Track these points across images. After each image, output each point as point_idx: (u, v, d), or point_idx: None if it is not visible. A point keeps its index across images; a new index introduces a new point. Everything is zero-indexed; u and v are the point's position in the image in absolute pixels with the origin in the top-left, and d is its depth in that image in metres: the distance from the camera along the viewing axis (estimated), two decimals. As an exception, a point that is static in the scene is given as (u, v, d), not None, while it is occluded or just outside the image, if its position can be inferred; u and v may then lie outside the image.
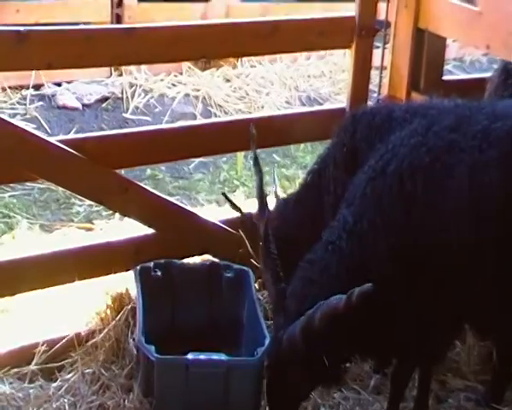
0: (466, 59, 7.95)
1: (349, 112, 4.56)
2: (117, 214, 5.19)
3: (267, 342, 3.74)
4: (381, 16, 4.78)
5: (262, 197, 3.94)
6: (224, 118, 6.03)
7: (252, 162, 4.04)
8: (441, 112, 3.68)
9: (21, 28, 3.89)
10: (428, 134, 3.49)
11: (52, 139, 4.18)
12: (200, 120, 6.56)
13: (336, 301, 3.29)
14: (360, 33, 4.68)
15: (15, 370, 4.02)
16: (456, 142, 3.41)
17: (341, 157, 4.08)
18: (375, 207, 3.53)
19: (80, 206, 5.67)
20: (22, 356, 4.10)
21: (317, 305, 3.37)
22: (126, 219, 4.78)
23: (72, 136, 4.36)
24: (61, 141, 4.14)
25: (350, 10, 4.69)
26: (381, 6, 4.74)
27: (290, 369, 3.58)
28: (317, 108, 4.96)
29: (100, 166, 4.20)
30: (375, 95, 4.87)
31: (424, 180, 3.41)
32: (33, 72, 7.03)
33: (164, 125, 5.40)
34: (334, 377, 3.74)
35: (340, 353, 3.61)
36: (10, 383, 3.94)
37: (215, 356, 3.72)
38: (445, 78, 5.00)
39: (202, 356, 3.70)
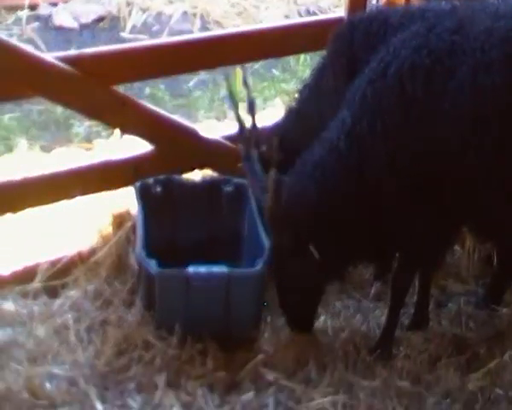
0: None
1: (346, 19, 4.51)
2: (116, 133, 5.19)
3: (266, 253, 3.77)
4: None
5: (240, 120, 3.94)
6: (221, 31, 6.00)
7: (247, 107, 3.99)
8: (441, 14, 3.65)
9: None
10: (430, 36, 3.49)
11: (48, 55, 4.18)
12: (197, 34, 6.56)
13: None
14: None
15: (19, 288, 4.06)
16: (458, 43, 3.41)
17: (341, 67, 4.07)
18: (374, 110, 3.56)
19: (79, 126, 5.69)
20: (25, 274, 4.14)
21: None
22: (125, 137, 4.76)
23: (67, 52, 4.31)
24: (56, 57, 4.13)
25: None
26: None
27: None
28: (314, 17, 4.92)
29: (97, 82, 4.20)
30: (374, 2, 4.83)
31: (425, 82, 3.42)
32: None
33: (161, 40, 5.40)
34: (335, 272, 3.86)
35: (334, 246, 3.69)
36: (15, 301, 3.98)
37: (216, 268, 3.76)
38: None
39: (203, 269, 3.72)
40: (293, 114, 4.33)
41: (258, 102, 4.61)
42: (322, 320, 3.99)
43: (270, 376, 3.60)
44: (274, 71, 5.15)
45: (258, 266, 3.72)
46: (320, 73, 4.21)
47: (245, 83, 3.95)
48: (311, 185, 3.67)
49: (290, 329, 3.86)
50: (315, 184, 3.67)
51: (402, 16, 4.01)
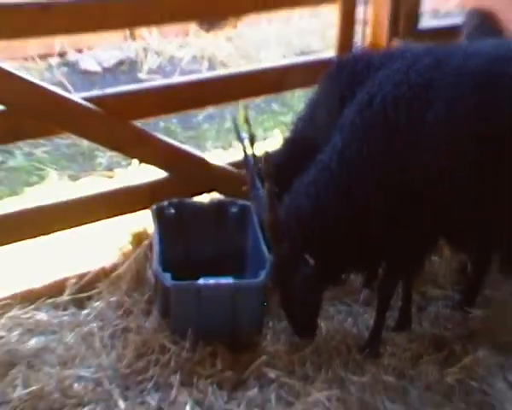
0: (440, 10, 7.90)
1: (335, 60, 4.51)
2: (134, 163, 5.20)
3: (268, 265, 3.78)
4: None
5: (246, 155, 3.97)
6: (226, 71, 6.03)
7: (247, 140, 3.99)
8: (418, 54, 3.66)
9: (44, 0, 3.87)
10: (410, 72, 3.50)
11: (74, 96, 4.19)
12: (204, 74, 6.59)
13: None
14: (344, -11, 4.66)
15: (50, 300, 4.08)
16: (435, 79, 3.42)
17: (331, 102, 4.06)
18: (362, 136, 3.57)
19: (102, 157, 5.70)
20: (56, 288, 4.15)
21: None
22: (143, 166, 4.78)
23: (91, 93, 4.34)
24: (82, 98, 4.15)
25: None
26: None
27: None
28: (307, 58, 4.94)
29: (117, 119, 4.22)
30: (359, 44, 4.85)
31: (406, 113, 3.43)
32: (57, 40, 7.05)
33: (173, 79, 5.42)
34: (331, 277, 3.85)
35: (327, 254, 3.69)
36: (46, 312, 4.00)
37: (223, 280, 3.78)
38: (421, 26, 4.96)
39: (212, 281, 3.75)
40: (289, 143, 4.34)
41: (259, 132, 4.64)
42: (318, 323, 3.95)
43: (272, 374, 3.61)
44: (273, 105, 5.18)
45: (261, 277, 3.75)
46: (313, 107, 4.22)
47: (246, 121, 3.96)
48: (305, 201, 3.68)
49: (297, 337, 3.83)
50: (309, 200, 3.68)
51: (383, 57, 4.02)
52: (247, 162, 4.02)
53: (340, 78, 4.11)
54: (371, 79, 3.66)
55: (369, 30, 4.76)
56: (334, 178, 3.63)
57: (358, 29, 4.80)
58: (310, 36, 7.86)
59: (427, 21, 5.71)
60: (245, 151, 3.99)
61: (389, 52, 4.23)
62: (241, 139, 4.04)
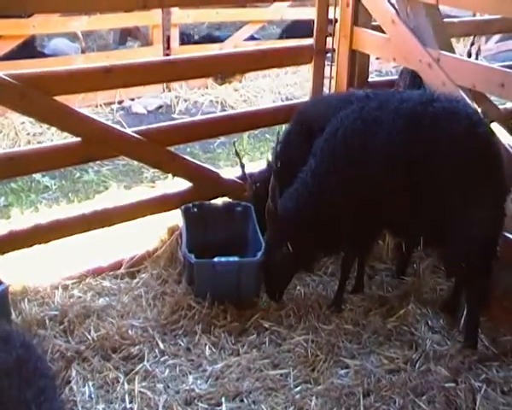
0: (383, 70, 7.89)
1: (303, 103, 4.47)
2: (170, 176, 5.16)
3: (263, 248, 3.78)
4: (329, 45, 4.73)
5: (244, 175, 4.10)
6: (233, 111, 6.04)
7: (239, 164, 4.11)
8: (367, 99, 3.66)
9: (107, 64, 3.94)
10: (362, 112, 3.50)
11: (128, 130, 4.20)
12: (218, 113, 6.58)
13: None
14: (316, 54, 4.63)
15: (111, 273, 4.08)
16: (379, 117, 3.42)
17: (301, 133, 4.01)
18: (329, 158, 3.56)
19: (147, 173, 5.70)
20: (115, 265, 4.14)
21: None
22: (175, 179, 4.76)
23: (139, 128, 4.36)
24: (133, 131, 4.17)
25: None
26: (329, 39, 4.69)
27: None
28: (291, 102, 4.93)
29: (157, 145, 4.22)
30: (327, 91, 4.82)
31: (360, 141, 3.43)
32: (118, 92, 7.07)
33: (196, 118, 5.46)
34: (303, 264, 3.84)
35: (302, 245, 3.68)
36: (109, 281, 4.01)
37: (231, 259, 3.79)
38: (370, 80, 4.98)
39: (223, 259, 3.76)
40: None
41: (257, 155, 4.65)
42: (298, 288, 3.96)
43: (266, 324, 3.64)
44: (267, 135, 5.19)
45: (258, 256, 3.75)
46: (288, 136, 4.13)
47: (237, 153, 4.08)
48: (290, 205, 3.67)
49: (269, 297, 3.80)
50: (292, 204, 3.67)
51: (338, 99, 4.03)
52: (245, 177, 4.10)
53: (307, 114, 4.07)
54: (333, 116, 3.63)
55: (333, 82, 4.72)
56: (310, 189, 3.62)
57: (326, 82, 4.77)
58: (292, 87, 7.83)
59: (373, 78, 5.72)
60: (243, 170, 4.07)
61: (342, 96, 4.19)
62: (240, 162, 4.12)
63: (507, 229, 3.57)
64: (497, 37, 8.19)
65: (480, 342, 3.52)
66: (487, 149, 3.26)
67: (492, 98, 5.23)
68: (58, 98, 3.78)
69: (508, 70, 3.65)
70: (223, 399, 3.12)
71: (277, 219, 3.67)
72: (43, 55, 7.66)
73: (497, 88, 3.59)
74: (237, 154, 4.13)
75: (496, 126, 4.83)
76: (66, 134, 4.18)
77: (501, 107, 5.54)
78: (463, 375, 3.26)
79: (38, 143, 6.06)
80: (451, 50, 4.09)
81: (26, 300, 3.74)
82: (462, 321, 3.60)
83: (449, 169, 3.22)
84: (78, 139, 3.93)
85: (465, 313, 3.56)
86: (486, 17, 6.42)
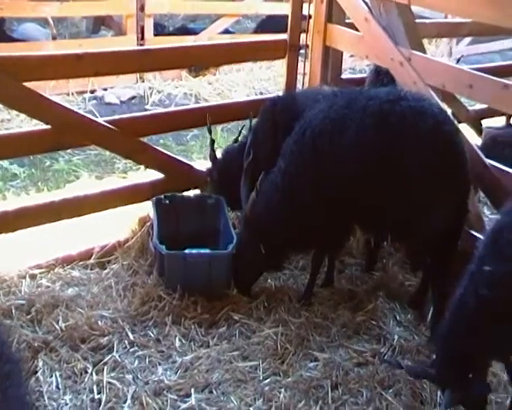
0: (356, 68, 7.93)
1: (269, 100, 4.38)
2: (142, 167, 5.11)
3: (234, 241, 3.78)
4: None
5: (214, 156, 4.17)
6: (207, 104, 6.00)
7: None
8: (334, 97, 3.61)
9: (79, 51, 3.89)
10: (330, 111, 3.46)
11: (100, 120, 4.15)
12: (191, 105, 6.58)
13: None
14: (290, 49, 4.63)
15: (81, 263, 4.04)
16: (347, 115, 3.39)
17: (267, 127, 4.01)
18: (299, 158, 3.53)
19: (119, 163, 5.65)
20: (85, 254, 4.10)
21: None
22: (147, 170, 4.73)
23: (111, 117, 4.31)
24: (105, 121, 4.12)
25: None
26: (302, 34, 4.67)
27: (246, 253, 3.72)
28: (263, 96, 4.90)
29: (129, 136, 4.18)
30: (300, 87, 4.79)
31: (328, 140, 3.40)
32: (90, 81, 6.97)
33: (169, 109, 5.43)
34: (274, 264, 3.85)
35: (273, 245, 3.67)
36: (79, 271, 3.97)
37: (202, 251, 3.79)
38: (343, 76, 5.00)
39: (194, 251, 3.76)
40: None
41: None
42: (269, 282, 3.96)
43: (236, 317, 3.63)
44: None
45: (229, 249, 3.74)
46: (254, 132, 4.06)
47: (209, 130, 4.14)
48: (262, 207, 3.64)
49: (236, 287, 3.80)
50: (263, 205, 3.64)
51: (303, 96, 4.03)
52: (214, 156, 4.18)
53: (273, 110, 4.03)
54: (301, 113, 3.60)
55: (307, 78, 4.72)
56: (280, 190, 3.59)
57: (300, 77, 4.76)
58: (266, 81, 7.82)
59: (347, 75, 5.74)
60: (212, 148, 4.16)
61: (309, 93, 4.18)
62: (212, 147, 4.18)
63: (473, 226, 3.65)
64: (468, 39, 8.26)
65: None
66: (452, 147, 3.30)
67: (462, 100, 5.33)
68: (28, 85, 3.70)
69: (476, 72, 3.70)
70: (192, 390, 3.11)
71: (249, 220, 3.67)
72: (12, 40, 7.52)
73: (466, 89, 3.62)
74: (210, 131, 4.15)
75: (465, 127, 4.93)
76: (35, 122, 4.10)
77: (470, 108, 5.66)
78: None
79: (6, 130, 5.91)
80: (423, 50, 4.13)
81: (-8, 289, 3.68)
82: (429, 316, 3.66)
83: (415, 166, 3.22)
84: (48, 127, 3.87)
85: (431, 308, 3.62)
86: (457, 20, 6.53)
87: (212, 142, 4.24)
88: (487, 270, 2.54)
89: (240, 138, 4.32)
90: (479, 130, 5.43)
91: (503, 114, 5.39)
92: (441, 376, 2.70)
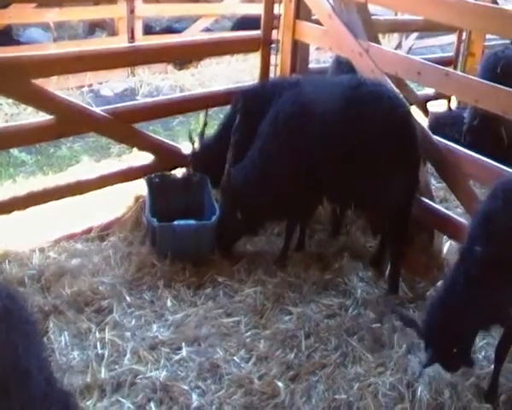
0: (320, 59, 7.84)
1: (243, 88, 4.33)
2: (134, 151, 4.97)
3: (217, 213, 3.74)
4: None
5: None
6: (190, 93, 5.88)
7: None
8: (303, 84, 3.56)
9: (78, 51, 3.87)
10: (299, 96, 3.44)
11: (97, 109, 4.06)
12: (177, 95, 6.46)
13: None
14: (263, 44, 4.54)
15: (84, 236, 3.97)
16: (314, 100, 3.37)
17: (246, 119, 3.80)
18: (272, 138, 3.50)
19: (115, 148, 5.54)
20: (87, 229, 4.02)
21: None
22: (139, 153, 4.63)
23: (107, 107, 4.20)
24: (101, 110, 4.03)
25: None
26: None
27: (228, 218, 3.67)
28: (239, 85, 4.80)
29: (123, 123, 4.10)
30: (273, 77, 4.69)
31: (300, 122, 3.36)
32: (87, 76, 6.83)
33: (157, 99, 5.32)
34: (250, 229, 3.80)
35: (250, 213, 3.63)
36: (81, 243, 3.91)
37: (189, 222, 3.76)
38: (310, 66, 4.93)
39: (182, 222, 3.73)
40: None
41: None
42: (248, 247, 3.91)
43: (221, 279, 3.60)
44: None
45: (213, 220, 3.70)
46: (230, 116, 4.02)
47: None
48: (240, 179, 3.60)
49: (218, 250, 3.75)
50: (242, 177, 3.60)
51: (273, 85, 3.95)
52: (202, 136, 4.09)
53: (246, 98, 3.91)
54: (270, 99, 3.54)
55: (278, 69, 4.65)
56: (257, 165, 3.56)
57: (272, 68, 4.69)
58: (242, 73, 7.69)
59: (312, 65, 5.65)
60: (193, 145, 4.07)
61: (277, 82, 4.11)
62: (190, 137, 4.12)
63: (423, 194, 3.65)
64: (415, 34, 8.28)
65: (400, 289, 3.61)
66: (405, 126, 3.30)
67: (412, 85, 5.32)
68: (34, 82, 3.65)
69: (424, 61, 3.70)
70: (183, 344, 3.11)
71: (229, 191, 3.63)
72: (19, 43, 7.41)
73: (415, 75, 3.63)
74: (205, 124, 4.10)
75: (414, 109, 4.92)
76: (41, 114, 4.01)
77: (419, 93, 5.68)
78: (387, 317, 3.34)
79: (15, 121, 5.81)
80: (378, 43, 4.13)
81: (7, 261, 3.63)
82: (387, 273, 3.68)
83: (373, 143, 3.20)
84: (52, 117, 3.80)
85: (389, 266, 3.65)
86: (406, 17, 6.47)
87: (205, 125, 4.13)
88: (478, 250, 2.47)
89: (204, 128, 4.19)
90: (425, 111, 5.48)
91: (445, 98, 5.53)
92: (428, 336, 2.65)
